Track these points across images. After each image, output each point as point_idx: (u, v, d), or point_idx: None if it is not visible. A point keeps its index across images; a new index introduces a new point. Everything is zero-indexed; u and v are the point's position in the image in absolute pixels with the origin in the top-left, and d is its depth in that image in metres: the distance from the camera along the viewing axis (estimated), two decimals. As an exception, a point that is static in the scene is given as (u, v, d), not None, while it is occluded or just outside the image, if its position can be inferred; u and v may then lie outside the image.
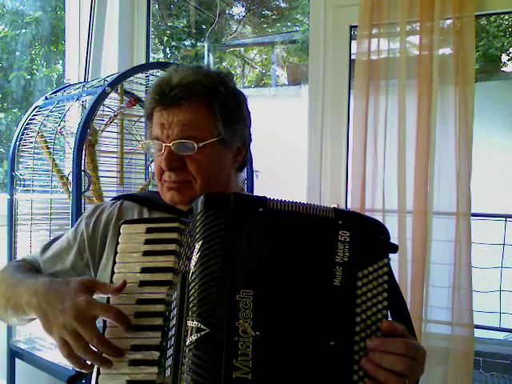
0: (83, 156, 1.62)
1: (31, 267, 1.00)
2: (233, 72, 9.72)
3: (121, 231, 0.82)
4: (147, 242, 0.80)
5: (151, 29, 2.53)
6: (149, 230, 0.81)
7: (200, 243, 0.72)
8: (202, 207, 0.74)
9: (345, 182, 2.09)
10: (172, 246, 0.78)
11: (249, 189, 2.01)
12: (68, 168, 1.98)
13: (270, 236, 0.73)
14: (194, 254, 0.72)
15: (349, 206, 2.04)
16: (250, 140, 1.01)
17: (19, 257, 1.85)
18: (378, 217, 1.96)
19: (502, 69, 6.80)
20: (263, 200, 0.75)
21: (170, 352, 0.71)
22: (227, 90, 0.92)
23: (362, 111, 1.95)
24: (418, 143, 1.87)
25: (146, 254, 0.79)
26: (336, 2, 2.08)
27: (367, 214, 1.97)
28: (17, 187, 1.91)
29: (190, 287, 0.70)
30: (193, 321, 0.68)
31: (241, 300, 0.69)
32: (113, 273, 0.78)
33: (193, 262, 0.72)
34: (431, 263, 1.88)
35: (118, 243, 0.81)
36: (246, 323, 0.68)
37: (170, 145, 0.88)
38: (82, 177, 1.61)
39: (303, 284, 0.72)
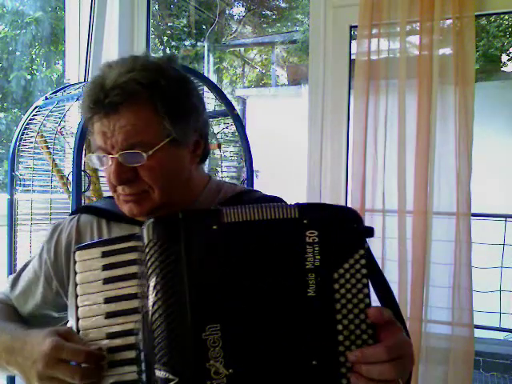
0: (83, 156, 1.62)
1: (6, 309, 0.95)
2: (233, 72, 9.73)
3: (76, 259, 0.74)
4: (105, 267, 0.72)
5: (151, 29, 2.53)
6: (104, 254, 0.73)
7: (154, 280, 0.65)
8: (150, 237, 0.67)
9: (345, 182, 2.09)
10: (133, 268, 0.71)
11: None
12: (68, 168, 1.98)
13: (229, 257, 0.66)
14: (150, 292, 0.66)
15: (349, 206, 2.04)
16: (207, 127, 0.90)
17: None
18: (378, 217, 1.96)
19: (502, 69, 6.80)
20: (217, 214, 0.67)
21: None
22: (169, 81, 0.79)
23: (362, 111, 1.95)
24: (417, 143, 1.87)
25: (106, 281, 0.72)
26: (336, 2, 2.08)
27: (367, 214, 1.97)
28: (17, 187, 1.91)
29: (153, 331, 0.65)
30: (160, 370, 0.64)
31: (208, 338, 0.63)
32: (77, 307, 0.73)
33: (150, 302, 0.66)
34: (431, 263, 1.88)
35: (76, 273, 0.74)
36: (217, 363, 0.63)
37: (117, 156, 0.77)
38: (82, 177, 1.61)
39: (274, 303, 0.65)
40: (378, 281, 0.75)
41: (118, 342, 0.70)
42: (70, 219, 0.96)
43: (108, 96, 0.76)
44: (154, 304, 0.66)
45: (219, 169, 2.02)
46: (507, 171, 5.61)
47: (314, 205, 0.73)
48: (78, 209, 1.00)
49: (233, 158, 2.06)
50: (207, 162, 2.16)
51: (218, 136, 2.00)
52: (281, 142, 7.08)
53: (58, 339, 0.70)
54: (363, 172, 1.96)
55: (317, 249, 0.66)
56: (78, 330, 0.73)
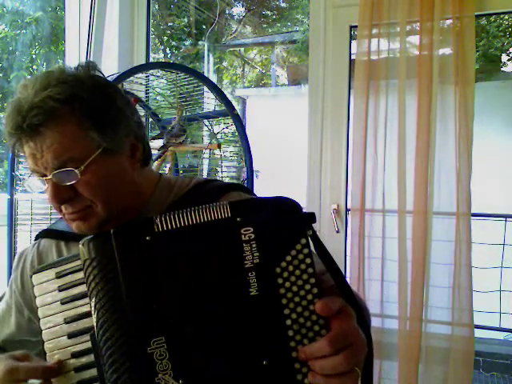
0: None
1: None
2: (233, 72, 9.73)
3: (33, 283, 0.75)
4: (60, 288, 0.73)
5: (151, 29, 2.53)
6: (58, 275, 0.73)
7: (93, 300, 0.66)
8: (86, 255, 0.67)
9: (345, 182, 2.09)
10: (85, 287, 0.70)
11: (249, 189, 2.00)
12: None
13: (165, 266, 0.65)
14: (92, 312, 0.66)
15: (349, 206, 2.04)
16: (141, 128, 0.86)
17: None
18: (378, 217, 1.96)
19: (502, 69, 6.81)
20: (149, 225, 0.65)
21: None
22: (89, 91, 0.76)
23: (362, 111, 1.95)
24: (417, 143, 1.87)
25: (63, 302, 0.72)
26: (336, 2, 2.08)
27: (367, 214, 1.97)
28: (17, 187, 1.91)
29: (102, 350, 0.65)
30: None
31: (154, 351, 0.63)
32: (41, 330, 0.73)
33: (94, 322, 0.66)
34: (431, 263, 1.88)
35: (35, 297, 0.74)
36: (166, 375, 0.63)
37: (51, 177, 0.76)
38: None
39: (216, 308, 0.64)
40: (327, 267, 0.73)
41: (83, 360, 0.71)
42: (32, 245, 0.96)
43: (26, 119, 0.73)
44: (97, 323, 0.66)
45: (219, 169, 2.02)
46: (507, 171, 5.61)
47: (246, 201, 0.71)
48: (38, 234, 0.99)
49: (233, 158, 2.06)
50: (207, 162, 2.17)
51: (218, 136, 2.00)
52: (281, 142, 7.09)
53: (11, 362, 0.70)
54: (363, 172, 1.96)
55: (254, 246, 0.64)
56: (45, 353, 0.73)
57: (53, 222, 1.77)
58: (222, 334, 0.64)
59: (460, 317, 1.84)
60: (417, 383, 1.88)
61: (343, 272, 2.10)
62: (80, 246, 0.68)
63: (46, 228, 1.01)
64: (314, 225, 0.67)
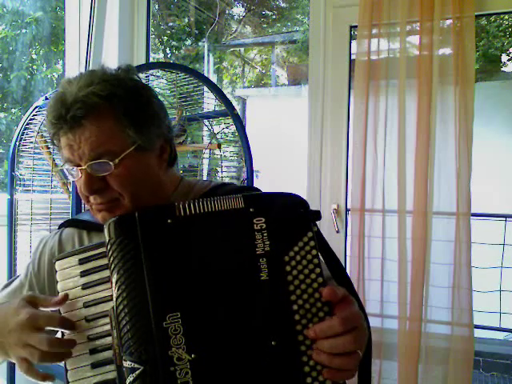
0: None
1: None
2: (233, 72, 9.74)
3: (56, 268, 0.79)
4: (83, 274, 0.77)
5: (151, 29, 2.53)
6: (81, 261, 0.77)
7: (115, 276, 0.69)
8: (111, 235, 0.71)
9: (345, 182, 2.09)
10: (107, 272, 0.74)
11: (249, 189, 2.00)
12: (68, 168, 1.97)
13: (184, 248, 0.70)
14: (113, 288, 0.70)
15: (349, 206, 2.05)
16: (171, 132, 0.93)
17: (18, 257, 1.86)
18: (378, 217, 1.96)
19: (502, 69, 6.81)
20: (171, 209, 0.71)
21: None
22: (128, 91, 0.83)
23: (362, 111, 1.95)
24: (417, 143, 1.87)
25: (84, 287, 0.76)
26: (336, 2, 2.08)
27: (367, 214, 1.97)
28: (17, 187, 1.91)
29: (119, 324, 0.68)
30: (126, 361, 0.67)
31: (169, 326, 0.66)
32: (60, 313, 0.77)
33: (114, 297, 0.69)
34: (431, 263, 1.88)
35: (57, 282, 0.78)
36: (179, 349, 0.66)
37: (86, 167, 0.81)
38: (82, 177, 1.61)
39: (229, 289, 0.68)
40: (330, 262, 0.80)
41: (98, 343, 0.74)
42: (55, 233, 1.01)
43: (70, 111, 0.79)
44: (117, 299, 0.69)
45: (219, 169, 2.02)
46: (507, 171, 5.61)
47: (258, 195, 0.77)
48: (63, 223, 1.04)
49: (233, 158, 2.06)
50: (207, 162, 2.17)
51: (218, 136, 2.00)
52: (281, 142, 7.08)
53: (33, 310, 0.74)
54: (363, 172, 1.96)
55: (265, 235, 0.69)
56: (63, 334, 0.76)
57: (53, 221, 1.77)
58: (233, 313, 0.68)
59: (460, 317, 1.84)
60: (417, 383, 1.88)
61: (343, 272, 2.09)
62: (105, 226, 0.72)
63: (70, 218, 1.07)
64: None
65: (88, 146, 0.80)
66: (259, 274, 0.68)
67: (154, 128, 0.86)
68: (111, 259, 0.70)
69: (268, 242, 0.69)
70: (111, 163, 0.80)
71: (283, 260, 0.69)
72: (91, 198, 0.84)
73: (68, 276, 0.78)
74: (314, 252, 0.69)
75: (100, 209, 0.84)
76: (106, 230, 0.72)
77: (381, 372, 1.97)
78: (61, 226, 1.02)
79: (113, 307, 0.70)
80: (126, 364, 0.67)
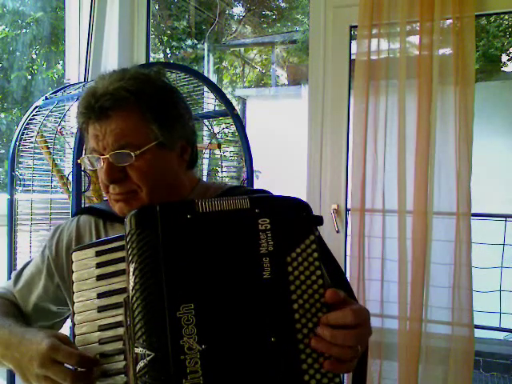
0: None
1: (5, 304, 0.99)
2: (233, 72, 9.74)
3: (73, 259, 0.81)
4: (98, 265, 0.79)
5: (151, 29, 2.53)
6: (98, 254, 0.80)
7: (133, 266, 0.71)
8: (130, 226, 0.73)
9: (345, 182, 2.09)
10: (123, 265, 0.76)
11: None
12: (68, 168, 1.98)
13: (200, 243, 0.72)
14: (130, 277, 0.71)
15: (349, 206, 2.05)
16: (194, 136, 0.97)
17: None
18: (378, 217, 1.96)
19: (502, 69, 6.80)
20: (191, 204, 0.74)
21: (126, 380, 0.72)
22: (156, 90, 0.87)
23: (362, 111, 1.95)
24: (417, 143, 1.87)
25: (99, 278, 0.79)
26: (336, 2, 2.08)
27: (367, 214, 1.97)
28: (17, 187, 1.91)
29: (133, 312, 0.70)
30: (137, 347, 0.68)
31: (182, 316, 0.68)
32: (73, 303, 0.79)
33: (130, 286, 0.71)
34: (431, 263, 1.88)
35: (72, 272, 0.80)
36: (190, 339, 0.67)
37: (108, 156, 0.84)
38: (82, 177, 1.61)
39: (235, 285, 0.71)
40: (330, 266, 0.83)
41: (108, 333, 0.76)
42: (71, 220, 1.03)
43: (98, 101, 0.83)
44: (133, 287, 0.71)
45: (219, 169, 2.02)
46: (507, 171, 5.61)
47: (264, 197, 0.80)
48: (79, 210, 1.07)
49: (233, 158, 2.06)
50: (207, 162, 2.17)
51: (218, 136, 2.00)
52: (281, 142, 7.08)
53: (55, 341, 0.74)
54: (363, 172, 1.96)
55: (269, 235, 0.72)
56: (74, 324, 0.78)
57: (53, 222, 1.77)
58: (239, 308, 0.70)
59: (460, 317, 1.84)
60: (417, 383, 1.88)
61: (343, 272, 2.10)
62: (126, 218, 0.75)
63: (86, 206, 1.12)
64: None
65: (112, 137, 0.83)
66: (262, 273, 0.70)
67: (177, 128, 0.89)
68: (130, 250, 0.72)
69: (272, 242, 0.71)
70: (132, 154, 0.83)
71: (285, 260, 0.71)
72: (110, 188, 0.87)
73: (84, 267, 0.80)
74: (315, 255, 0.71)
75: (118, 199, 0.87)
76: (127, 221, 0.74)
77: (381, 372, 1.97)
78: (77, 213, 1.04)
79: (128, 296, 0.72)
80: (138, 350, 0.68)
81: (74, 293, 0.79)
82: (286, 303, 0.69)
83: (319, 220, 0.75)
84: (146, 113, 0.85)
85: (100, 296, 0.77)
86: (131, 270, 0.71)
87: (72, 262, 0.81)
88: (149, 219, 0.73)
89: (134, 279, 0.71)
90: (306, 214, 0.74)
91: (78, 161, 0.96)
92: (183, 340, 0.67)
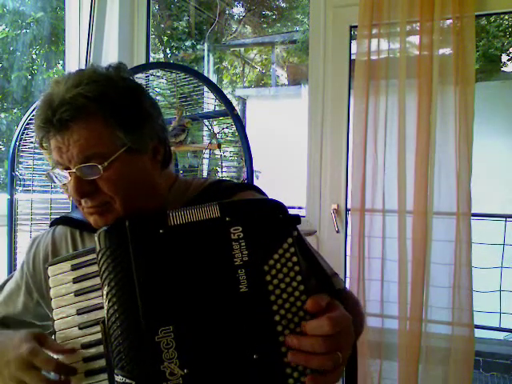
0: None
1: None
2: (233, 72, 9.73)
3: (49, 274, 0.78)
4: (75, 280, 0.76)
5: (151, 29, 2.53)
6: (74, 267, 0.76)
7: (106, 289, 0.68)
8: (100, 245, 0.69)
9: (345, 182, 2.09)
10: (99, 279, 0.73)
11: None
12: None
13: (173, 260, 0.68)
14: (104, 300, 0.68)
15: (349, 206, 2.04)
16: (165, 132, 0.89)
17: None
18: (378, 217, 1.96)
19: (502, 69, 6.79)
20: (163, 218, 0.69)
21: None
22: (118, 92, 0.79)
23: (362, 111, 1.95)
24: (417, 143, 1.87)
25: (77, 293, 0.75)
26: (336, 2, 2.08)
27: (367, 214, 1.97)
28: (17, 187, 1.91)
29: (110, 337, 0.67)
30: (117, 375, 0.66)
31: (161, 340, 0.65)
32: (53, 320, 0.76)
33: (105, 310, 0.68)
34: (431, 263, 1.88)
35: (49, 288, 0.77)
36: (171, 364, 0.64)
37: (75, 170, 0.78)
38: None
39: (212, 303, 0.66)
40: (312, 266, 0.77)
41: (92, 351, 0.73)
42: (47, 231, 0.99)
43: (56, 114, 0.76)
44: (108, 311, 0.68)
45: (219, 169, 2.02)
46: (507, 171, 5.61)
47: (235, 202, 0.75)
48: (54, 221, 1.01)
49: (233, 158, 2.06)
50: (207, 162, 2.17)
51: (218, 136, 2.00)
52: (281, 142, 7.08)
53: (35, 345, 0.72)
54: (363, 172, 1.96)
55: (243, 244, 0.67)
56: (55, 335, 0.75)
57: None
58: (217, 327, 0.66)
59: (460, 317, 1.84)
60: (417, 383, 1.88)
61: (343, 272, 2.10)
62: (95, 236, 0.71)
63: (62, 215, 1.04)
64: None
65: (76, 149, 0.77)
66: (238, 286, 0.66)
67: (145, 129, 0.83)
68: (102, 270, 0.69)
69: (246, 252, 0.67)
70: (100, 166, 0.77)
71: (263, 270, 0.66)
72: (82, 202, 0.82)
73: (60, 282, 0.76)
74: (294, 259, 0.66)
75: (91, 212, 0.81)
76: (96, 240, 0.70)
77: (381, 372, 1.97)
78: (53, 224, 1.00)
79: (103, 320, 0.69)
80: (118, 378, 0.66)
81: (52, 310, 0.76)
82: (266, 316, 0.65)
83: (296, 220, 0.69)
84: (110, 119, 0.78)
85: (80, 312, 0.74)
86: (104, 292, 0.68)
87: (48, 277, 0.77)
88: (118, 237, 0.68)
89: (108, 303, 0.67)
90: (282, 216, 0.68)
91: (44, 176, 0.92)
92: (164, 365, 0.64)
